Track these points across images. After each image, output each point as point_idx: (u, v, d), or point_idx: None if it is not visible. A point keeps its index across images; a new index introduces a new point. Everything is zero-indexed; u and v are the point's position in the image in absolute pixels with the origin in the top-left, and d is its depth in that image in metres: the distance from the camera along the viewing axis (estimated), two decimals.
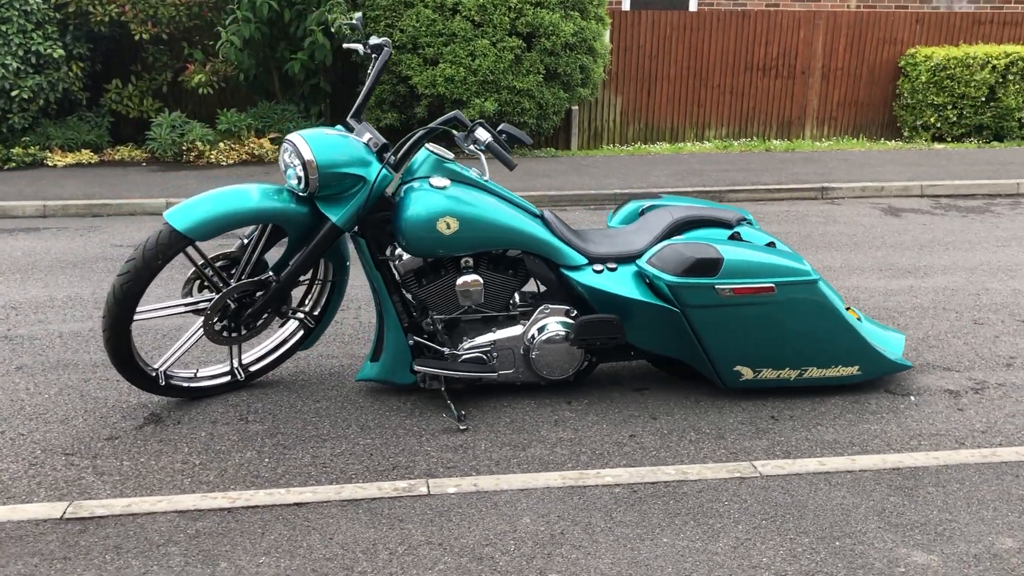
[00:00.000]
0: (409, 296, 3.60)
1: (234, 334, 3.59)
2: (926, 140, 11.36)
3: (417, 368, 3.54)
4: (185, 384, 3.65)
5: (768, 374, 3.60)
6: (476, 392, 3.67)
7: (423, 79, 9.36)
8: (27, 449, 3.21)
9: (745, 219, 3.84)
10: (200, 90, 9.52)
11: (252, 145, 9.40)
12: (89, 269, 5.61)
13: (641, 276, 3.58)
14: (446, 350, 3.59)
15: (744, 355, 3.56)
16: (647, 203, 3.98)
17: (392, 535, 2.59)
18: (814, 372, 3.62)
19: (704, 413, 3.52)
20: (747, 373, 3.60)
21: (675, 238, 3.63)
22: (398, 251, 3.55)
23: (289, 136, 3.38)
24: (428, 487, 2.86)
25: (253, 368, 3.84)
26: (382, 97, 9.66)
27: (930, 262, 5.83)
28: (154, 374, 3.53)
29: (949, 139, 11.33)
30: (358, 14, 3.74)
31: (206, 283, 3.55)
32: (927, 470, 3.01)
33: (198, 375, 3.73)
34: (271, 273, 3.52)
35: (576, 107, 10.66)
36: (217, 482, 2.95)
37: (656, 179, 8.65)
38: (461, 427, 3.40)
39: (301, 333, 3.88)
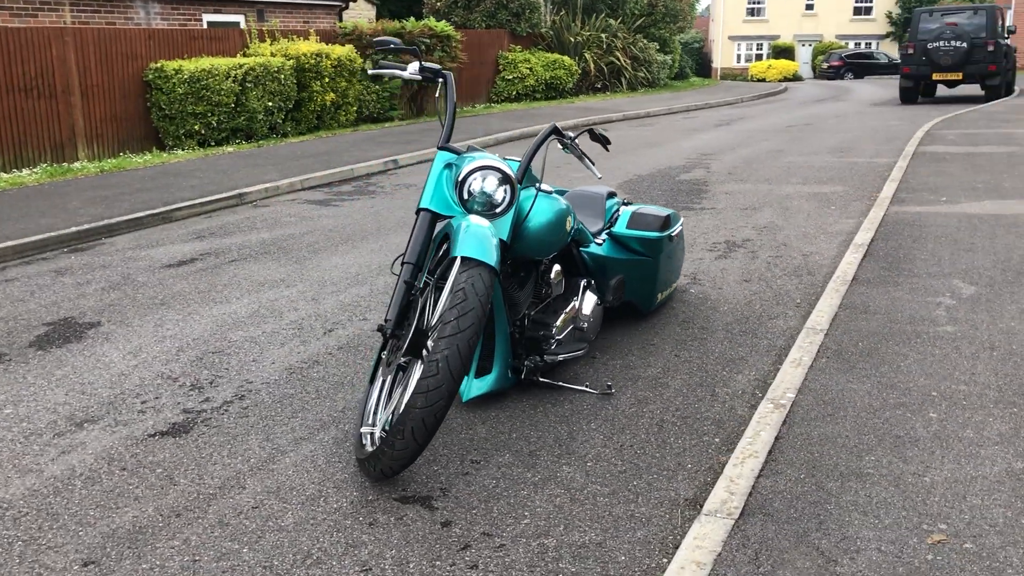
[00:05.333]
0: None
1: None
2: (192, 147, 12.24)
3: (562, 358, 3.84)
4: None
5: (664, 294, 4.94)
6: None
7: None
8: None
9: None
10: None
11: None
12: None
13: (616, 241, 4.49)
14: (553, 341, 3.93)
15: (662, 283, 4.83)
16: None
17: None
18: (673, 286, 5.10)
19: (657, 338, 4.68)
20: (659, 297, 4.87)
21: (621, 208, 4.63)
22: None
23: (480, 163, 3.32)
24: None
25: None
26: None
27: None
28: None
29: (213, 143, 12.46)
30: (395, 39, 3.61)
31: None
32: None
33: None
34: None
35: None
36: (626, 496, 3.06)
37: (134, 204, 7.88)
38: (611, 390, 3.90)
39: None
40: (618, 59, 22.55)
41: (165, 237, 7.34)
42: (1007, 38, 20.45)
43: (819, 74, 44.84)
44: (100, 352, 4.55)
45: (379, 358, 3.58)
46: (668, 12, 24.51)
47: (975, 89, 21.16)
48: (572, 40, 21.95)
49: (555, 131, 3.79)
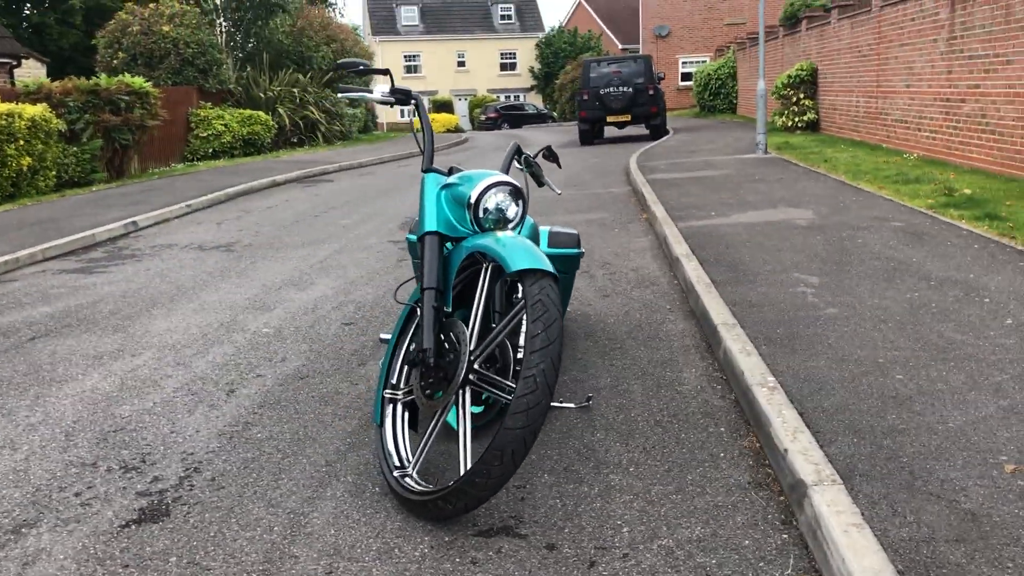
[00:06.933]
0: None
1: None
2: None
3: None
4: None
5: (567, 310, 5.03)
6: None
7: None
8: None
9: None
10: None
11: None
12: None
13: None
14: None
15: (566, 301, 4.92)
16: None
17: None
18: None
19: (579, 352, 4.77)
20: (565, 314, 4.95)
21: (539, 228, 4.65)
22: None
23: (496, 179, 3.25)
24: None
25: None
26: None
27: (223, 287, 7.01)
28: None
29: None
30: (364, 60, 3.40)
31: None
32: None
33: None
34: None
35: None
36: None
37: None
38: (590, 402, 3.90)
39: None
40: (312, 113, 22.36)
41: None
42: (659, 84, 23.12)
43: (478, 125, 47.44)
44: None
45: (382, 398, 3.34)
46: None
47: (640, 130, 23.62)
48: (262, 96, 21.44)
49: (518, 150, 3.78)
